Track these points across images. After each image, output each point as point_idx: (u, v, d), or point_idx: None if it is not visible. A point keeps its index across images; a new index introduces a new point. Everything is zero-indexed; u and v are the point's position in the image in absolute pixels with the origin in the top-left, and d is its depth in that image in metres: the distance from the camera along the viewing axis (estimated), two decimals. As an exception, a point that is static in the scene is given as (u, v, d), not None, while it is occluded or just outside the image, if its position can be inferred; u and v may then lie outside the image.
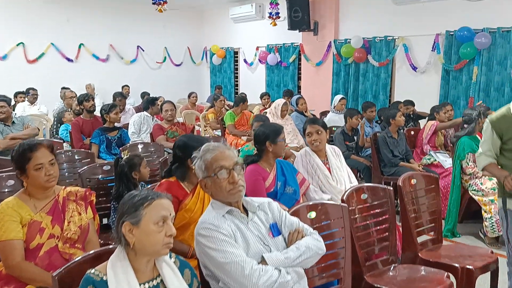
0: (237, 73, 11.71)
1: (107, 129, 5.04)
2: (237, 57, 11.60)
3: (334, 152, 3.64)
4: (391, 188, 2.85)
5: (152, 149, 4.49)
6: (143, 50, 11.55)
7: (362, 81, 8.51)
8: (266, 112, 7.09)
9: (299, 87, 9.93)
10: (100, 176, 3.39)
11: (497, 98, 6.71)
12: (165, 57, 11.93)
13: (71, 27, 10.37)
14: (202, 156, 1.97)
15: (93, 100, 5.75)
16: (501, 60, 6.64)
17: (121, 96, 6.64)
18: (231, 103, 9.83)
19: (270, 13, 8.36)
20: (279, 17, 8.41)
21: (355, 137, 5.76)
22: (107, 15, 10.82)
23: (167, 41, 11.94)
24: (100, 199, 3.28)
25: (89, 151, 4.44)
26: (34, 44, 9.95)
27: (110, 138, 5.02)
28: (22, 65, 9.83)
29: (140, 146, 4.47)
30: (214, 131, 7.45)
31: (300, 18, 8.82)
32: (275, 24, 8.46)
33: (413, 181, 3.06)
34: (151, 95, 10.87)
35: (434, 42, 7.35)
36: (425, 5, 7.44)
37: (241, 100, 6.95)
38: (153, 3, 7.33)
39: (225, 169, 1.92)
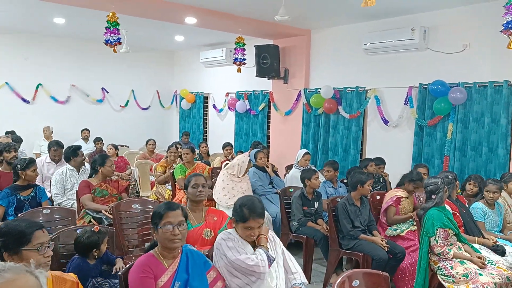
0: (206, 119, 11.10)
1: (18, 188, 4.32)
2: (207, 102, 11.04)
3: (269, 240, 2.87)
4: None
5: (57, 217, 3.72)
6: (108, 92, 10.93)
7: (332, 133, 7.91)
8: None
9: (268, 137, 9.31)
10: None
11: (474, 157, 6.12)
12: (127, 101, 11.29)
13: (29, 66, 9.76)
14: None
15: (15, 152, 5.04)
16: (478, 117, 6.09)
17: (57, 146, 5.91)
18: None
19: (236, 59, 7.83)
20: (244, 63, 7.87)
21: (315, 203, 5.06)
22: (69, 55, 10.25)
23: (134, 83, 11.37)
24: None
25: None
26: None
27: (22, 198, 4.29)
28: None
29: (44, 212, 3.71)
30: (164, 185, 6.73)
31: (269, 65, 8.31)
32: (240, 71, 7.92)
33: (355, 283, 2.36)
34: (114, 141, 10.30)
35: (407, 95, 6.83)
36: (398, 56, 6.97)
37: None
38: (105, 43, 6.72)
39: None
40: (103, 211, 4.44)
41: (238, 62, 7.82)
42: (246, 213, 2.69)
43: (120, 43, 6.79)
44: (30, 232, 2.12)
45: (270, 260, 2.68)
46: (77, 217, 4.56)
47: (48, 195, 5.33)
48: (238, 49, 7.82)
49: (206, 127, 11.12)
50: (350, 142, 7.65)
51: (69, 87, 10.37)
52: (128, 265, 2.43)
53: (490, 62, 5.99)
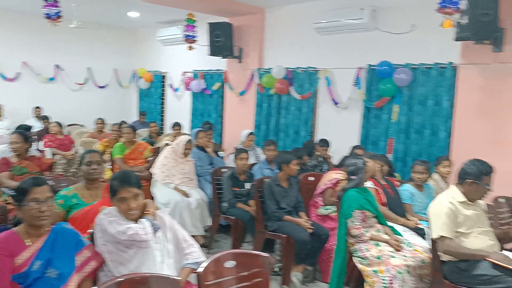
0: (163, 99, 10.86)
1: None
2: (164, 82, 10.79)
3: (162, 221, 2.71)
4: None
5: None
6: (63, 70, 10.58)
7: (284, 114, 7.78)
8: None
9: (223, 117, 9.14)
10: None
11: (417, 141, 6.06)
12: (86, 78, 10.97)
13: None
14: None
15: None
16: (422, 99, 6.02)
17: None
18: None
19: (187, 36, 7.59)
20: (195, 41, 7.65)
21: (247, 184, 4.94)
22: (20, 30, 9.85)
23: (91, 61, 11.01)
24: None
25: None
26: None
27: None
28: None
29: None
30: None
31: (222, 44, 8.10)
32: (191, 48, 7.69)
33: (229, 264, 2.24)
34: (70, 120, 10.06)
35: (356, 76, 6.71)
36: (347, 36, 6.83)
37: None
38: (46, 17, 6.46)
39: None
40: (19, 190, 4.23)
41: (189, 40, 7.59)
42: (115, 184, 2.55)
43: (60, 17, 6.53)
44: None
45: (155, 228, 2.55)
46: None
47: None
48: (189, 26, 7.58)
49: (164, 107, 10.88)
50: (301, 123, 7.53)
51: (20, 64, 9.99)
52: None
53: (435, 44, 5.88)
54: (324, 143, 6.22)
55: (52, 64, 10.44)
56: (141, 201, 2.58)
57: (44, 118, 8.75)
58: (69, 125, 9.87)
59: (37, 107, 9.87)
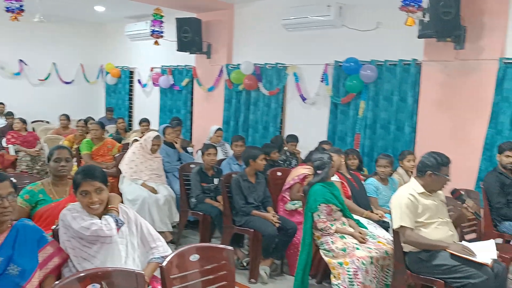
0: (131, 95, 10.72)
1: None
2: (132, 77, 10.65)
3: (123, 213, 2.68)
4: None
5: None
6: (26, 64, 10.31)
7: (253, 110, 7.81)
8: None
9: (192, 113, 9.10)
10: None
11: (383, 136, 6.20)
12: (49, 74, 10.71)
13: None
14: None
15: None
16: (388, 95, 6.14)
17: None
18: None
19: (153, 31, 7.53)
20: (162, 36, 7.59)
21: (215, 179, 4.94)
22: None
23: (56, 56, 10.75)
24: None
25: None
26: None
27: None
28: None
29: None
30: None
31: (190, 39, 8.05)
32: (157, 43, 7.63)
33: (193, 258, 2.25)
34: (35, 116, 9.84)
35: (323, 73, 6.80)
36: (315, 33, 6.90)
37: None
38: (7, 11, 6.29)
39: None
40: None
41: (155, 35, 7.53)
42: (78, 178, 2.52)
43: (22, 11, 6.38)
44: None
45: (119, 224, 2.53)
46: None
47: None
48: (156, 21, 7.51)
49: (132, 103, 10.75)
50: (270, 119, 7.57)
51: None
52: None
53: (400, 41, 6.01)
54: (293, 138, 6.27)
55: (15, 59, 10.16)
56: (104, 196, 2.55)
57: (9, 114, 8.53)
58: (33, 122, 9.66)
59: (0, 103, 9.59)
